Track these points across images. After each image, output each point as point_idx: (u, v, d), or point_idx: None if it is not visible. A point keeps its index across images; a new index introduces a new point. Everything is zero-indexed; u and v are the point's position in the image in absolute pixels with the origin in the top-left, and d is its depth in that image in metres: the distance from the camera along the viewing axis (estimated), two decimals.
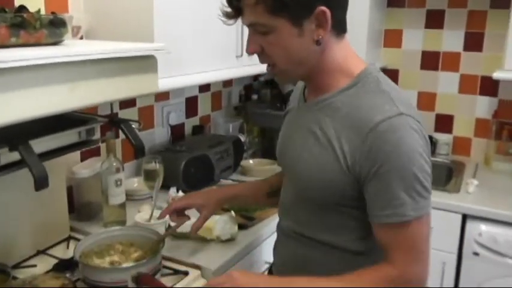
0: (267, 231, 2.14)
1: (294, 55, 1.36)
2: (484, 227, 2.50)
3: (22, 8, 1.34)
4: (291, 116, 1.62)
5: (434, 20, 3.28)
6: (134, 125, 1.78)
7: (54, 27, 1.34)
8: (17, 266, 1.78)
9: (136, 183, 2.46)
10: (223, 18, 1.41)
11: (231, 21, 1.41)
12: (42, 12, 1.41)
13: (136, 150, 1.73)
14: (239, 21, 2.19)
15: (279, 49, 1.35)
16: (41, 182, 1.31)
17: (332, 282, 1.36)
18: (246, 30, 2.39)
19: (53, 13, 1.38)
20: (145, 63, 1.58)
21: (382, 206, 1.31)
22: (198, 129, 2.98)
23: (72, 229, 2.06)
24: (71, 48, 1.34)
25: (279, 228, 1.68)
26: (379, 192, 1.30)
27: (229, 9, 1.38)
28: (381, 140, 1.27)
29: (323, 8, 1.29)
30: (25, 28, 1.26)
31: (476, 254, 2.50)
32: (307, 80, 1.48)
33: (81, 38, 1.99)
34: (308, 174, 1.43)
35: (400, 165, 1.27)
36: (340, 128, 1.35)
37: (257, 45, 1.38)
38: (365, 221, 1.39)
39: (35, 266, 1.80)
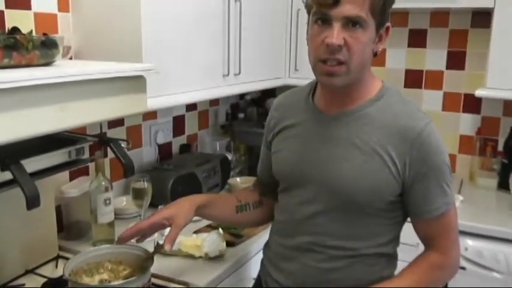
0: (255, 248, 2.16)
1: (364, 56, 1.43)
2: (470, 241, 2.52)
3: (15, 30, 1.36)
4: (302, 130, 1.61)
5: (417, 39, 3.32)
6: (123, 144, 1.80)
7: (46, 48, 1.36)
8: (5, 286, 1.78)
9: (124, 201, 2.46)
10: (316, 7, 1.39)
11: (326, 11, 1.37)
12: (33, 33, 1.42)
13: (126, 169, 1.75)
14: (225, 40, 2.26)
15: (360, 46, 1.39)
16: (32, 201, 1.32)
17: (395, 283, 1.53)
18: (232, 49, 2.44)
19: (44, 34, 1.40)
20: (135, 83, 1.60)
21: (432, 200, 1.48)
22: (185, 148, 3.00)
23: (60, 248, 2.05)
24: (63, 69, 1.36)
25: (288, 247, 1.64)
26: (429, 189, 1.47)
27: None
28: (427, 143, 1.44)
29: (389, 24, 1.46)
30: (18, 49, 1.28)
31: (462, 268, 2.52)
32: (345, 89, 1.49)
33: (71, 58, 2.01)
34: (354, 184, 1.47)
35: (441, 163, 1.47)
36: (384, 136, 1.46)
37: (342, 39, 1.37)
38: (391, 225, 1.56)
39: (23, 285, 1.80)
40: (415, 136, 1.43)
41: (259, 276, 1.82)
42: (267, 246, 1.78)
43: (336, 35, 1.36)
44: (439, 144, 1.47)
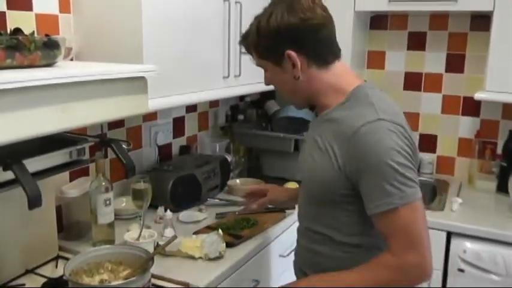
0: (254, 249, 2.17)
1: (284, 87, 1.71)
2: (468, 244, 2.53)
3: (17, 31, 1.37)
4: (307, 132, 1.86)
5: (416, 42, 3.34)
6: (124, 145, 1.81)
7: (48, 49, 1.36)
8: (5, 285, 1.79)
9: (124, 202, 2.47)
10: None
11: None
12: (35, 34, 1.43)
13: (127, 169, 1.76)
14: (226, 42, 2.32)
15: (274, 82, 1.73)
16: (34, 201, 1.33)
17: (340, 277, 1.58)
18: (233, 51, 2.46)
19: (46, 35, 1.40)
20: (136, 84, 1.61)
21: (372, 198, 1.50)
22: (185, 149, 3.00)
23: (60, 248, 2.06)
24: (65, 70, 1.37)
25: (297, 228, 1.88)
26: (368, 187, 1.51)
27: None
28: (362, 141, 1.49)
29: (289, 51, 1.58)
30: (20, 50, 1.28)
31: (461, 270, 2.53)
32: (311, 103, 1.74)
33: (72, 59, 2.02)
34: (311, 174, 1.67)
35: (380, 162, 1.47)
36: (333, 136, 1.58)
37: (267, 80, 1.73)
38: (359, 217, 1.61)
39: (23, 285, 1.81)
40: (350, 135, 1.51)
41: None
42: None
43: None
44: (377, 143, 1.48)
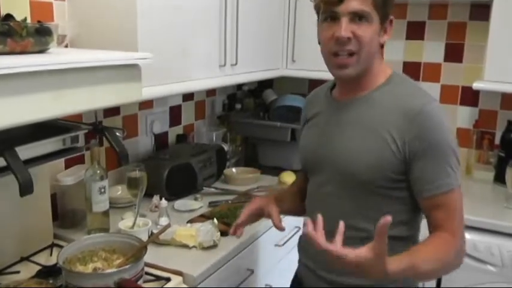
0: (249, 239, 2.18)
1: (372, 47, 1.54)
2: (465, 234, 2.53)
3: (9, 17, 1.36)
4: (321, 118, 1.72)
5: (415, 31, 3.32)
6: (118, 133, 1.80)
7: (40, 35, 1.35)
8: (0, 273, 1.79)
9: (119, 191, 2.46)
10: (324, 7, 1.53)
11: (333, 8, 1.50)
12: (28, 20, 1.42)
13: (120, 156, 1.75)
14: (222, 30, 2.27)
15: (368, 37, 1.51)
16: (26, 188, 1.33)
17: (417, 255, 1.42)
18: (229, 40, 2.44)
19: (39, 22, 1.39)
20: (130, 72, 1.59)
21: (432, 179, 1.48)
22: (181, 138, 3.00)
23: (55, 236, 2.06)
24: (57, 57, 1.35)
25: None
26: (428, 167, 1.48)
27: None
28: (427, 121, 1.48)
29: (392, 17, 1.59)
30: (12, 36, 1.27)
31: None
32: (355, 78, 1.57)
33: (66, 46, 2.01)
34: (357, 161, 1.54)
35: (442, 141, 1.48)
36: (386, 116, 1.53)
37: (350, 32, 1.49)
38: (402, 204, 1.56)
39: (18, 272, 1.81)
40: (415, 114, 1.48)
41: (298, 264, 1.84)
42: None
43: (344, 28, 1.49)
44: (441, 123, 1.49)
